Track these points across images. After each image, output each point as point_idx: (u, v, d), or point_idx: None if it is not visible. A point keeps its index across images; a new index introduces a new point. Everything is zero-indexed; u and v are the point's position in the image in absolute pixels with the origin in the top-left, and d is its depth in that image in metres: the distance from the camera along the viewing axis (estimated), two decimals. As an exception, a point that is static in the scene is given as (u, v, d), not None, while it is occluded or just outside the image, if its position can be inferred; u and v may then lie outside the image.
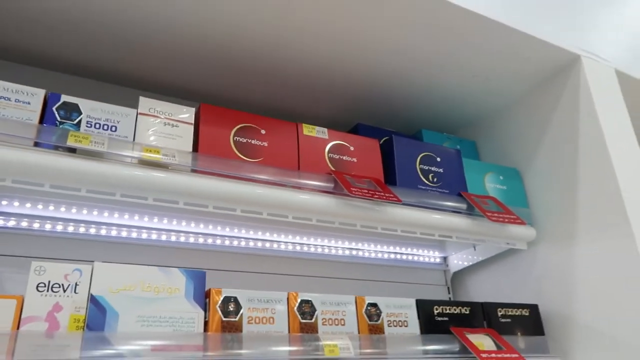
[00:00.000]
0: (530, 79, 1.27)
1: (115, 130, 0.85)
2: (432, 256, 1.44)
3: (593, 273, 1.09)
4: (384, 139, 1.16)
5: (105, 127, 0.85)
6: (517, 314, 1.13)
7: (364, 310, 0.96)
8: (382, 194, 0.99)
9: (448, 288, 1.46)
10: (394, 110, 1.40)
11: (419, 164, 1.14)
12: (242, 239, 1.10)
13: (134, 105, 0.90)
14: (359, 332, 0.92)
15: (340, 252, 1.29)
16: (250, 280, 1.10)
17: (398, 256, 1.38)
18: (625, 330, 1.01)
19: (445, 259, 1.47)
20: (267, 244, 1.14)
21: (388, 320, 0.97)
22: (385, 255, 1.36)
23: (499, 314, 1.11)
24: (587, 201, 1.13)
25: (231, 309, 0.84)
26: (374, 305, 0.97)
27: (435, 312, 1.04)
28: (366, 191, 0.97)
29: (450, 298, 1.44)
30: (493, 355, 0.96)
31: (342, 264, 1.28)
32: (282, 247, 1.16)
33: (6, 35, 1.01)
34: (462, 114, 1.43)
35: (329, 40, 1.08)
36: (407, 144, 1.15)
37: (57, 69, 1.11)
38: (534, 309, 1.15)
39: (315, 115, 1.37)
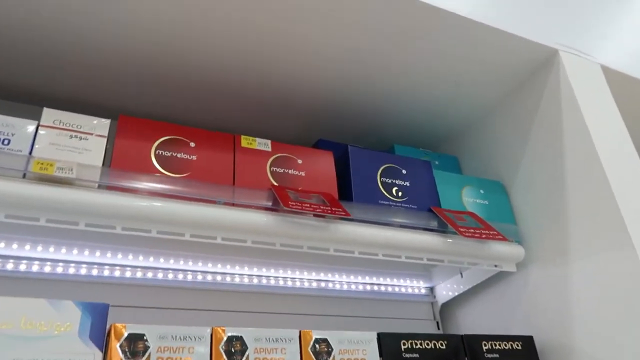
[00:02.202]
0: (506, 81, 1.14)
1: (8, 144, 0.75)
2: (415, 286, 1.28)
3: (593, 293, 0.92)
4: (340, 151, 1.03)
5: (-4, 140, 0.75)
6: (506, 347, 0.95)
7: (309, 347, 0.80)
8: (328, 207, 0.85)
9: (437, 323, 1.28)
10: (362, 125, 1.28)
11: (381, 177, 1.01)
12: (160, 270, 0.96)
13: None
14: (302, 375, 0.77)
15: (305, 284, 1.14)
16: (170, 319, 0.95)
17: (375, 287, 1.22)
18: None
19: (431, 289, 1.30)
20: (200, 276, 1.00)
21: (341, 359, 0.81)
22: (360, 287, 1.20)
23: (484, 348, 0.93)
24: (579, 211, 0.97)
25: (137, 349, 0.70)
26: (324, 340, 0.82)
27: (403, 348, 0.87)
28: (307, 205, 0.84)
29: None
30: (471, 398, 0.79)
31: (305, 298, 1.13)
32: (221, 278, 1.02)
33: None
34: (437, 127, 1.31)
35: (282, 51, 0.98)
36: (365, 155, 1.03)
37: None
38: (527, 341, 0.97)
39: (273, 135, 1.26)
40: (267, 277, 1.10)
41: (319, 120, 1.24)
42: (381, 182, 1.00)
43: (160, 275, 0.95)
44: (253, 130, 1.24)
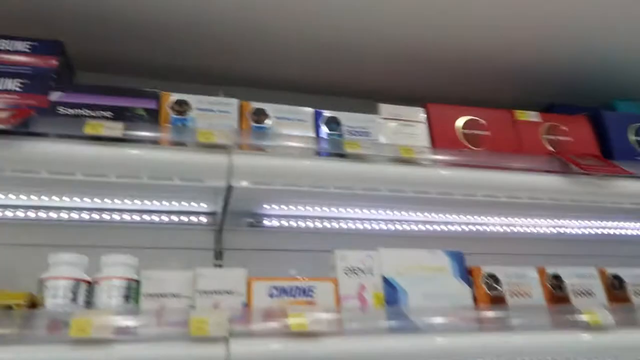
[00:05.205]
0: None
1: (370, 136, 0.98)
2: None
3: None
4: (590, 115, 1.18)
5: (361, 133, 0.98)
6: None
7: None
8: (612, 167, 1.02)
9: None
10: (577, 83, 1.38)
11: (634, 136, 1.15)
12: (497, 225, 1.21)
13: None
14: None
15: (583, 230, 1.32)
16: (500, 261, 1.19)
17: (606, 231, 1.36)
18: None
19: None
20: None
21: None
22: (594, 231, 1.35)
23: None
24: None
25: (493, 284, 0.93)
26: (616, 277, 1.01)
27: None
28: (597, 167, 1.01)
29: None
30: None
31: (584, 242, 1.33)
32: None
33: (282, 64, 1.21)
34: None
35: (499, 22, 1.12)
36: (617, 117, 1.17)
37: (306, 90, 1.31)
38: None
39: (497, 100, 1.40)
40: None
41: (539, 85, 1.37)
42: (635, 141, 1.14)
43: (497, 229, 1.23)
44: (484, 99, 1.40)
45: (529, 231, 1.27)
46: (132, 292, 0.77)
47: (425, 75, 1.29)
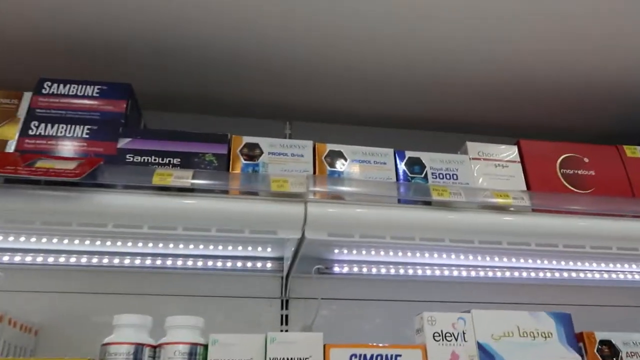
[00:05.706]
0: None
1: (457, 179, 0.88)
2: None
3: None
4: None
5: (448, 176, 0.88)
6: None
7: None
8: None
9: None
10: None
11: None
12: (603, 273, 1.06)
13: (452, 148, 0.93)
14: None
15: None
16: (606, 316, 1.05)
17: None
18: None
19: None
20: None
21: None
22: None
23: None
24: None
25: (609, 354, 0.79)
26: None
27: None
28: None
29: None
30: None
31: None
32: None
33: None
34: None
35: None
36: None
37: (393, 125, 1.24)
38: None
39: (590, 130, 1.27)
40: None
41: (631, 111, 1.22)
42: None
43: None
44: (564, 130, 1.27)
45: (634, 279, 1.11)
46: (199, 358, 0.70)
47: (515, 105, 1.17)
